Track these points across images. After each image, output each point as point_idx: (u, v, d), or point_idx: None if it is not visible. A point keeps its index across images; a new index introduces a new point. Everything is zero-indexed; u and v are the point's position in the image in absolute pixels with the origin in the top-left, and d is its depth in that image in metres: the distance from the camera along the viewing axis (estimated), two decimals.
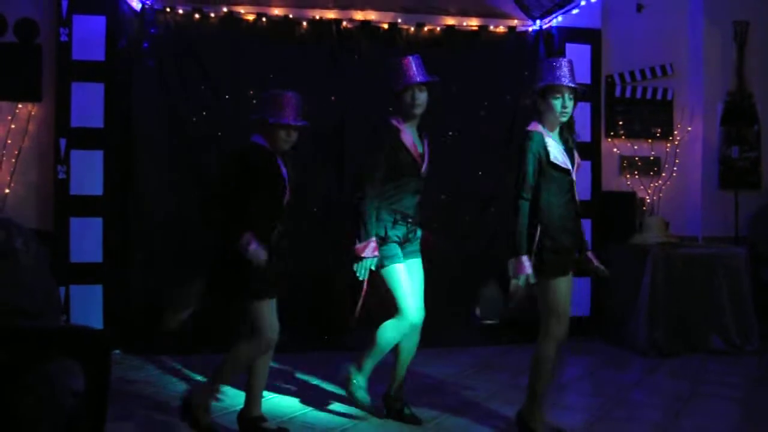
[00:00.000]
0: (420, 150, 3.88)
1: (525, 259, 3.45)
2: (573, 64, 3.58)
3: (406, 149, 3.80)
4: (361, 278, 3.71)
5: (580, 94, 3.60)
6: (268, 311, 3.55)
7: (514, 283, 3.45)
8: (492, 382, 4.70)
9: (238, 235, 3.42)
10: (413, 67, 3.80)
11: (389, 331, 3.78)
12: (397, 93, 3.81)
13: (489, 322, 5.47)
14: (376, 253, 3.69)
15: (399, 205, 3.81)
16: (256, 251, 3.41)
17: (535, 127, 3.60)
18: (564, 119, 3.57)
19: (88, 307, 5.23)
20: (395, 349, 3.89)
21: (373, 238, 3.69)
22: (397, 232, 3.79)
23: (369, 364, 3.87)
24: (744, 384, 4.85)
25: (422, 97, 3.82)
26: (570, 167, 3.58)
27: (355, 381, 3.86)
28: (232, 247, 3.44)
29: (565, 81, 3.51)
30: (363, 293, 3.79)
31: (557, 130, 3.63)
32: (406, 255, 3.84)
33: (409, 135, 3.84)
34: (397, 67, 3.81)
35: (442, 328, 5.62)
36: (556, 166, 3.53)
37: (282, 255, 3.62)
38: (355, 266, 3.70)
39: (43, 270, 3.07)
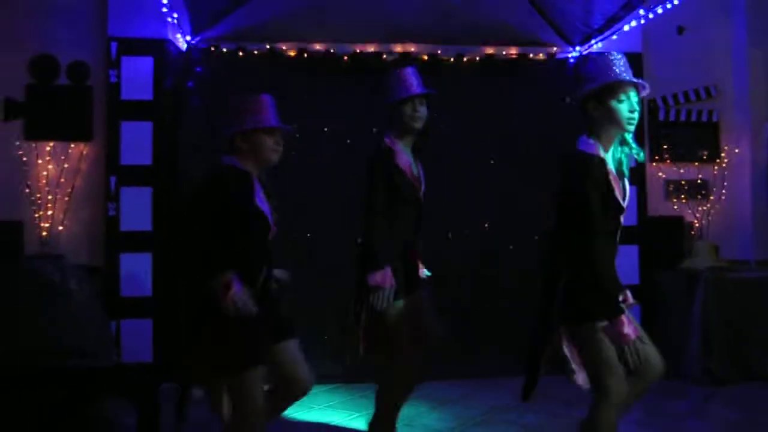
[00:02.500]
0: (415, 172, 3.55)
1: (626, 319, 2.63)
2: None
3: (401, 171, 3.46)
4: (379, 309, 3.34)
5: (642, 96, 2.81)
6: (257, 383, 2.68)
7: (626, 350, 2.63)
8: (540, 413, 4.63)
9: (213, 279, 2.60)
10: (413, 78, 3.49)
11: (391, 386, 3.47)
12: (395, 104, 3.49)
13: None
14: (393, 282, 3.35)
15: (400, 233, 3.46)
16: (239, 298, 2.59)
17: (592, 148, 2.74)
18: (632, 128, 2.79)
19: (138, 341, 5.30)
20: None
21: (389, 267, 3.34)
22: (401, 264, 3.46)
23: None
24: None
25: (423, 110, 3.50)
26: (624, 205, 2.76)
27: None
28: (204, 298, 2.64)
29: (631, 77, 2.71)
30: (365, 325, 3.41)
31: (611, 148, 2.81)
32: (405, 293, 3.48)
33: (404, 156, 3.51)
34: (395, 77, 3.51)
35: (482, 359, 5.62)
36: (614, 204, 2.71)
37: (274, 305, 2.92)
38: (371, 298, 3.34)
39: (96, 307, 3.16)
